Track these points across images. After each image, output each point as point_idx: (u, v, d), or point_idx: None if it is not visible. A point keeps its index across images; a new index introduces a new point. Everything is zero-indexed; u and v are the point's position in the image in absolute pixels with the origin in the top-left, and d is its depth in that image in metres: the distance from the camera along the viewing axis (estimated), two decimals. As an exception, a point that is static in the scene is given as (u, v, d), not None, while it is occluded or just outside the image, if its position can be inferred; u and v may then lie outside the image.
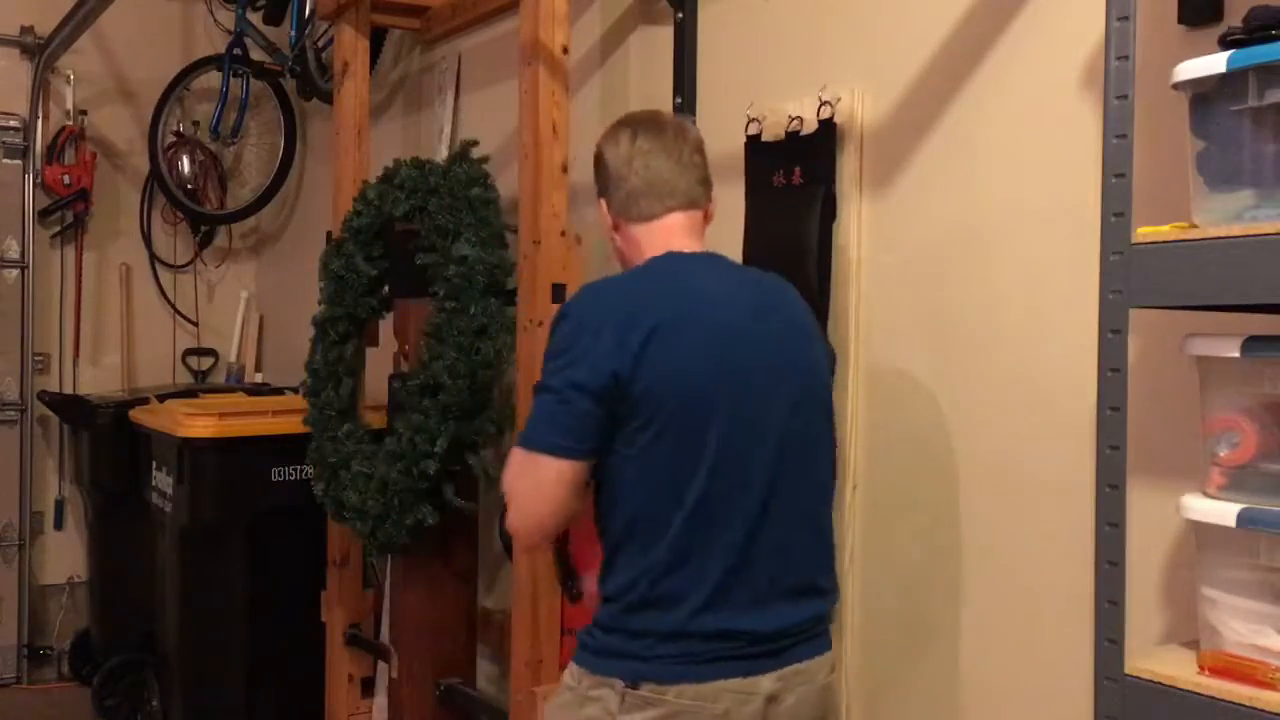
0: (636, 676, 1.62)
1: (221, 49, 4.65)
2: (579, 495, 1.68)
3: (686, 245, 1.78)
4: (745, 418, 1.66)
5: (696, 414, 1.63)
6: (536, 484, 1.66)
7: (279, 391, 4.18)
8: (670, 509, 1.63)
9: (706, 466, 1.63)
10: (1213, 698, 1.28)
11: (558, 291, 2.55)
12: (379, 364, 3.23)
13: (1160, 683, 1.33)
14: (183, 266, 5.10)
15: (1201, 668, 1.34)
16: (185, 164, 4.82)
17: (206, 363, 5.11)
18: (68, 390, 4.73)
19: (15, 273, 4.67)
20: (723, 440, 1.64)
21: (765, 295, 1.78)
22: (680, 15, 2.62)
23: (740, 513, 1.65)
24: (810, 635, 1.71)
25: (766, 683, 1.64)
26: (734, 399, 1.65)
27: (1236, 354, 1.30)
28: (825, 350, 1.87)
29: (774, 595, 1.67)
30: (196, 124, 4.89)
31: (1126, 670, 1.36)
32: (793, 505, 1.69)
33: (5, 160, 4.65)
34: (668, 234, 1.78)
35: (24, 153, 4.67)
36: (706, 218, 1.83)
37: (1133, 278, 1.33)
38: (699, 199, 1.80)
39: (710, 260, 1.79)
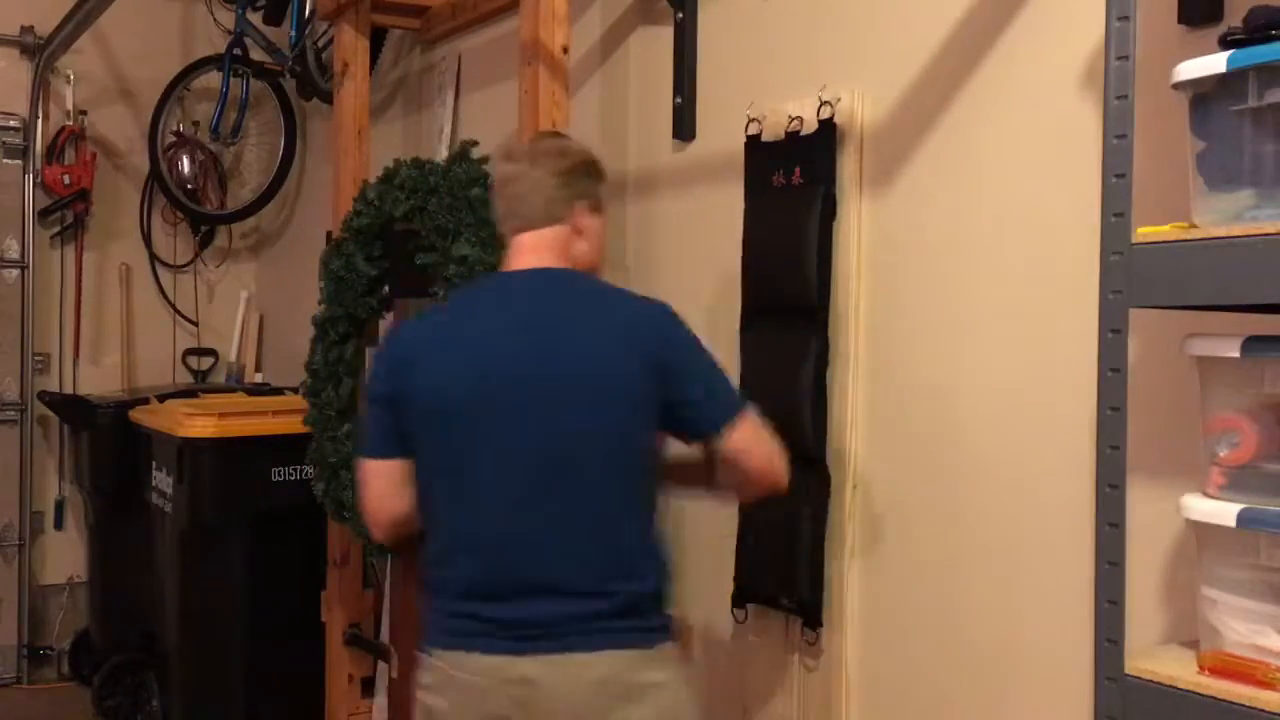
0: (427, 644, 1.88)
1: (221, 49, 4.65)
2: (396, 493, 1.91)
3: (529, 262, 1.92)
4: (496, 428, 1.80)
5: (447, 424, 1.83)
6: (358, 481, 2.00)
7: (279, 391, 4.18)
8: (437, 509, 1.88)
9: (459, 473, 1.83)
10: (1213, 698, 1.28)
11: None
12: (379, 364, 3.22)
13: (1160, 683, 1.33)
14: (183, 266, 5.10)
15: (1201, 668, 1.34)
16: (185, 164, 4.82)
17: (206, 363, 5.11)
18: (68, 390, 4.73)
19: (15, 273, 4.67)
20: (474, 449, 1.81)
21: (547, 309, 1.88)
22: (680, 15, 2.62)
23: (493, 515, 1.81)
24: (588, 630, 1.78)
25: (525, 665, 1.76)
26: (484, 410, 1.81)
27: (1236, 354, 1.30)
28: (635, 356, 1.83)
29: (529, 592, 1.79)
30: (196, 124, 4.89)
31: (1126, 670, 1.36)
32: (555, 508, 1.79)
33: (5, 160, 4.65)
34: (516, 252, 1.95)
35: (24, 153, 4.67)
36: (574, 234, 1.95)
37: (1133, 278, 1.33)
38: (538, 220, 1.93)
39: (521, 277, 1.92)
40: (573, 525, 1.80)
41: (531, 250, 1.94)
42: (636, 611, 1.80)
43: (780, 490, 1.90)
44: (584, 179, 1.99)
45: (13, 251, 4.66)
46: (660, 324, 1.89)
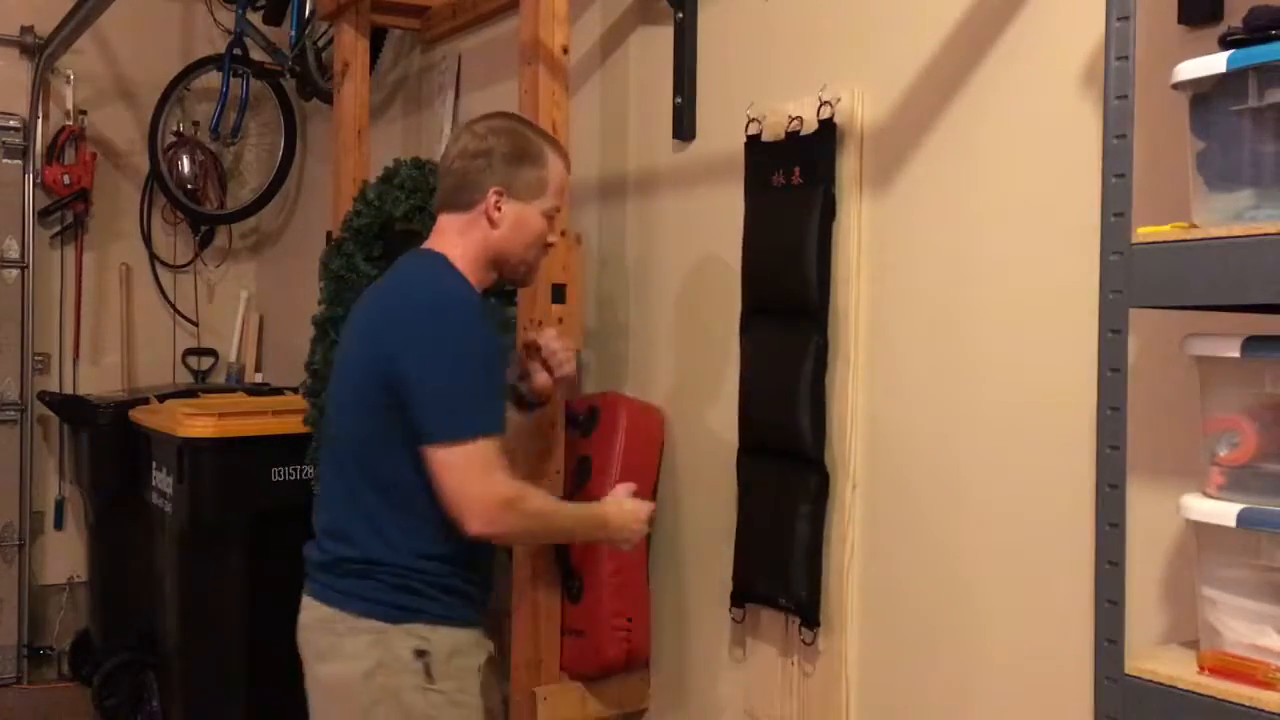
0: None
1: (221, 49, 4.65)
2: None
3: (434, 244, 2.00)
4: (331, 400, 2.06)
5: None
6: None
7: (279, 391, 4.18)
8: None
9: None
10: (1213, 698, 1.28)
11: (558, 291, 2.56)
12: (379, 364, 3.22)
13: (1160, 683, 1.33)
14: (183, 266, 5.10)
15: (1201, 668, 1.33)
16: (185, 164, 4.83)
17: (206, 363, 5.11)
18: (68, 390, 4.73)
19: (15, 273, 4.67)
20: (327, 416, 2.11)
21: (375, 292, 2.03)
22: (680, 15, 2.62)
23: (323, 470, 2.08)
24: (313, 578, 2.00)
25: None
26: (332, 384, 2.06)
27: (1236, 354, 1.30)
28: (393, 335, 1.88)
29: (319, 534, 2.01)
30: (196, 124, 4.89)
31: (1126, 670, 1.35)
32: (330, 469, 2.03)
33: (5, 160, 4.65)
34: (433, 231, 2.03)
35: (24, 153, 4.67)
36: (488, 218, 1.97)
37: (1133, 278, 1.33)
38: (446, 202, 2.01)
39: (407, 260, 2.04)
40: (339, 484, 1.99)
41: (437, 231, 2.01)
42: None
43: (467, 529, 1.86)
44: (504, 165, 1.96)
45: (13, 251, 4.66)
46: (403, 320, 1.89)
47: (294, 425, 3.31)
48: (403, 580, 1.88)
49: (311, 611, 1.97)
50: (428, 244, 2.01)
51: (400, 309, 1.91)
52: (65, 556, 4.76)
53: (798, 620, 2.26)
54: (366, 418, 1.91)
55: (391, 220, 2.97)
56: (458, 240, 1.97)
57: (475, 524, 1.83)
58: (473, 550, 1.94)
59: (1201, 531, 1.34)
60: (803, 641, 2.25)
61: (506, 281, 2.09)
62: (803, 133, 2.26)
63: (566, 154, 2.13)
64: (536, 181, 1.99)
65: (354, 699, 1.88)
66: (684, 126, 2.63)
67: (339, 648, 1.90)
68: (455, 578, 1.93)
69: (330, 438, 2.04)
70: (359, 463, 1.93)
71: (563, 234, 2.54)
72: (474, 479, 1.82)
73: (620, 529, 2.10)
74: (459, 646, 1.92)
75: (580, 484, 2.59)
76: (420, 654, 1.87)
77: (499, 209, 1.96)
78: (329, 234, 3.40)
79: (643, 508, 2.14)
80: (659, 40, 2.72)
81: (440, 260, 1.96)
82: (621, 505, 2.12)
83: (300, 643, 2.01)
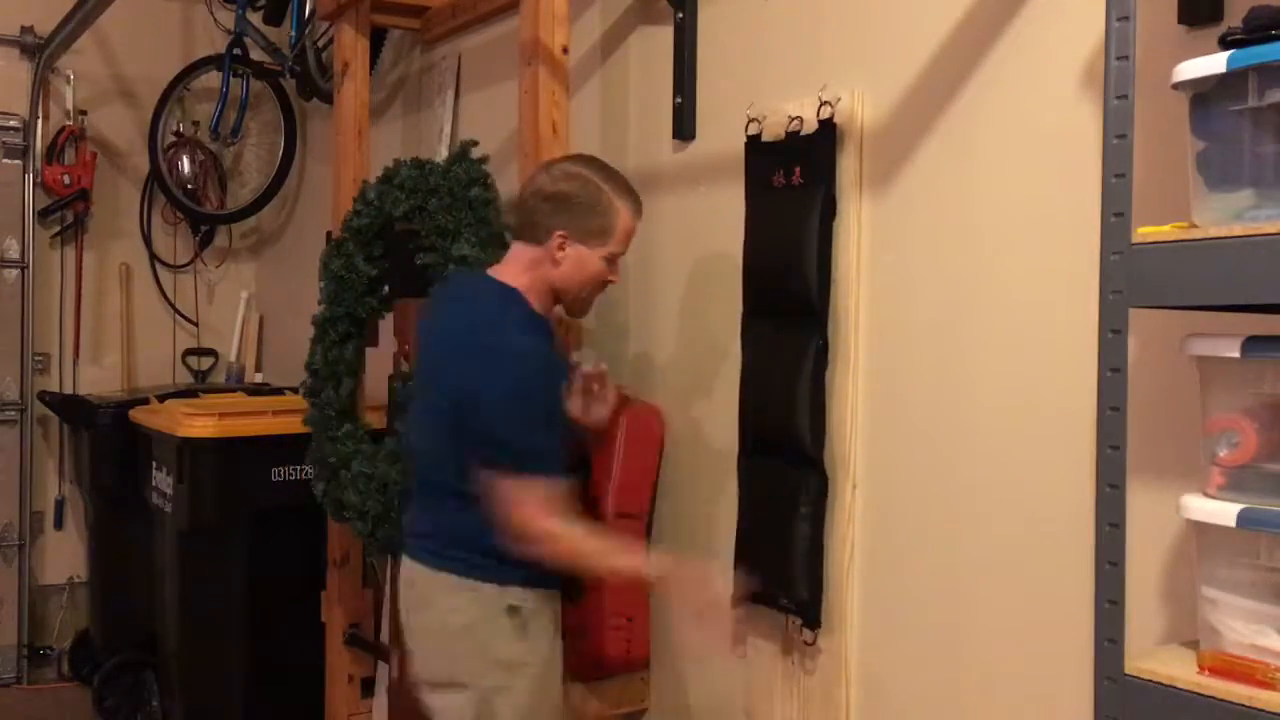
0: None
1: (221, 49, 4.65)
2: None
3: (506, 272, 2.20)
4: (415, 409, 2.34)
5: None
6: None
7: (279, 391, 4.18)
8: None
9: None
10: (1213, 698, 1.28)
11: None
12: (379, 364, 3.23)
13: (1160, 683, 1.33)
14: (183, 266, 5.10)
15: (1201, 668, 1.33)
16: (185, 164, 4.83)
17: (206, 363, 5.11)
18: (68, 390, 4.73)
19: (15, 273, 4.67)
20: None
21: (453, 316, 2.25)
22: (680, 15, 2.62)
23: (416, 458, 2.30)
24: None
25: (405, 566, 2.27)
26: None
27: (1236, 354, 1.30)
28: (468, 372, 2.09)
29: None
30: (196, 124, 4.89)
31: (1126, 670, 1.35)
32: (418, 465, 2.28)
33: (5, 160, 4.65)
34: (507, 259, 2.25)
35: (24, 153, 4.67)
36: (552, 258, 2.16)
37: (1133, 278, 1.33)
38: (518, 232, 2.22)
39: (486, 287, 2.20)
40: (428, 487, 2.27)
41: (511, 258, 2.23)
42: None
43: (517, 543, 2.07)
44: (565, 212, 2.14)
45: (13, 251, 4.66)
46: (486, 366, 2.08)
47: (294, 425, 3.31)
48: (494, 556, 2.09)
49: (414, 569, 2.22)
50: (502, 270, 2.21)
51: (481, 351, 2.10)
52: (65, 556, 4.76)
53: (798, 620, 2.26)
54: (442, 435, 2.14)
55: (391, 220, 2.97)
56: (525, 271, 2.18)
57: (511, 539, 2.06)
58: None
59: (1201, 531, 1.34)
60: (804, 642, 2.25)
61: (566, 312, 2.31)
62: (803, 133, 2.26)
63: (638, 200, 2.24)
64: (599, 229, 2.16)
65: (454, 645, 2.15)
66: (684, 126, 2.63)
67: (439, 601, 2.16)
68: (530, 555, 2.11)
69: (421, 431, 2.28)
70: (447, 468, 2.14)
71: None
72: (522, 510, 2.04)
73: (674, 596, 2.19)
74: (542, 604, 2.17)
75: (580, 484, 2.59)
76: (513, 610, 2.12)
77: (562, 249, 2.15)
78: (329, 234, 3.40)
79: (702, 608, 2.11)
80: (659, 40, 2.72)
81: (515, 296, 2.16)
82: (682, 589, 2.13)
83: (402, 597, 2.28)
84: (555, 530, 2.05)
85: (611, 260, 2.20)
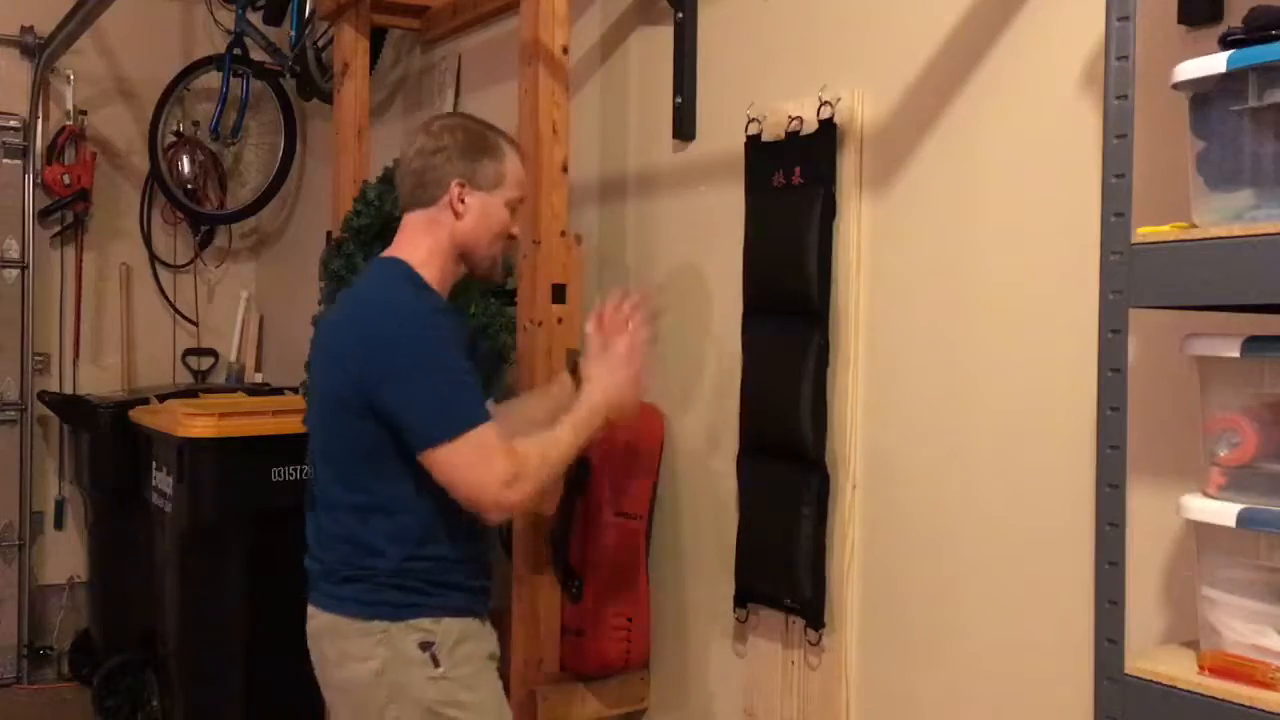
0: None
1: (221, 49, 4.65)
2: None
3: (396, 247, 2.05)
4: (309, 418, 2.08)
5: None
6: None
7: (279, 391, 4.18)
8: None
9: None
10: (1213, 698, 1.28)
11: (558, 291, 2.56)
12: (379, 364, 3.22)
13: (1160, 683, 1.33)
14: (183, 266, 5.10)
15: (1201, 668, 1.33)
16: (185, 164, 4.82)
17: (206, 363, 5.11)
18: (68, 390, 4.73)
19: (15, 273, 4.67)
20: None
21: (337, 313, 2.09)
22: (680, 15, 2.62)
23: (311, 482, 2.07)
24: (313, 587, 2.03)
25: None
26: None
27: (1236, 354, 1.30)
28: (352, 361, 1.93)
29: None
30: (196, 124, 4.89)
31: (1126, 670, 1.36)
32: (314, 483, 2.05)
33: (5, 160, 4.65)
34: (398, 235, 2.08)
35: (24, 153, 4.67)
36: (452, 209, 2.01)
37: (1133, 278, 1.33)
38: (408, 201, 2.06)
39: (363, 276, 2.15)
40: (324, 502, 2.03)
41: (401, 232, 2.07)
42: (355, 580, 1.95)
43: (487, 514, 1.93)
44: (459, 159, 2.01)
45: (13, 251, 4.66)
46: (365, 336, 1.93)
47: (294, 425, 3.30)
48: (397, 580, 1.92)
49: (317, 620, 2.01)
50: (391, 248, 2.05)
51: (359, 339, 1.94)
52: (65, 556, 4.76)
53: (799, 620, 2.26)
54: (342, 439, 1.96)
55: (392, 220, 2.95)
56: (422, 239, 2.02)
57: (493, 514, 1.92)
58: (464, 549, 1.97)
59: (1201, 531, 1.34)
60: (808, 642, 2.25)
61: (473, 276, 2.12)
62: (803, 133, 2.26)
63: (520, 149, 2.15)
64: (495, 173, 2.03)
65: (369, 699, 1.92)
66: (684, 126, 2.63)
67: (348, 651, 1.93)
68: (449, 573, 1.95)
69: (311, 452, 2.06)
70: (340, 480, 1.97)
71: (562, 234, 2.55)
72: (474, 472, 1.86)
73: (619, 403, 2.08)
74: (465, 634, 1.94)
75: (579, 484, 2.59)
76: (425, 645, 1.90)
77: (462, 200, 2.00)
78: (329, 234, 3.40)
79: (625, 364, 2.07)
80: (659, 40, 2.72)
81: (391, 269, 2.01)
82: (604, 381, 2.06)
83: (312, 652, 2.04)
84: (517, 465, 1.87)
85: (511, 208, 2.06)
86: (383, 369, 1.88)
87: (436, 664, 1.90)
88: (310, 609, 2.03)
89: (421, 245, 2.02)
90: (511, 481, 1.86)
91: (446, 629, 1.92)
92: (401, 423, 1.87)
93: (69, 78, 4.74)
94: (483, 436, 1.86)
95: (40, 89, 4.67)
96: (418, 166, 2.03)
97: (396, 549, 1.92)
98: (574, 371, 2.24)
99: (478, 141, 2.03)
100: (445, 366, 1.89)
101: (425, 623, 1.91)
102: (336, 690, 1.99)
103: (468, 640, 1.95)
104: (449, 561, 1.95)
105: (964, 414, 2.01)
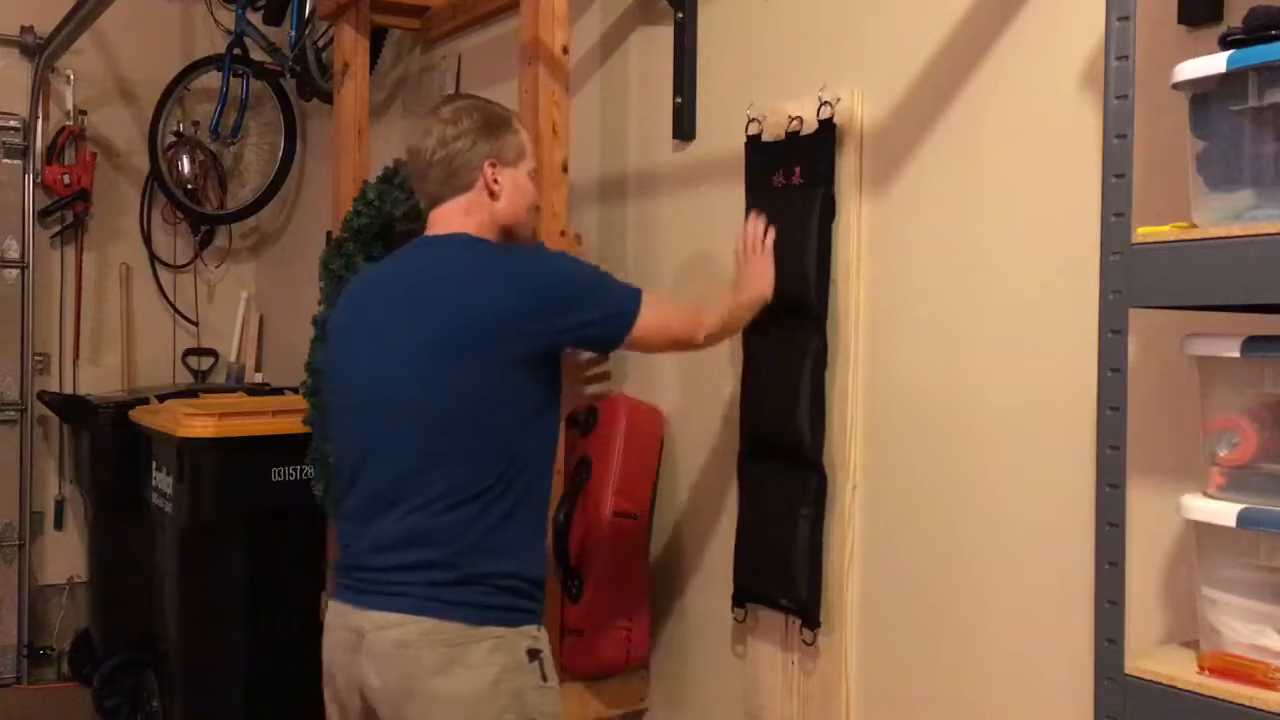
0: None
1: (221, 49, 4.65)
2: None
3: (439, 229, 2.00)
4: (383, 399, 1.94)
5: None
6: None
7: (279, 391, 4.18)
8: None
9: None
10: (1213, 698, 1.28)
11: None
12: (379, 364, 3.22)
13: (1160, 683, 1.33)
14: (183, 266, 5.10)
15: (1201, 668, 1.33)
16: (185, 164, 4.82)
17: (206, 363, 5.11)
18: (68, 390, 4.73)
19: (15, 273, 4.67)
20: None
21: (420, 271, 1.97)
22: (680, 15, 2.62)
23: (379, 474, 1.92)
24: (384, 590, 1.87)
25: (355, 617, 1.87)
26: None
27: (1236, 354, 1.30)
28: (488, 293, 1.86)
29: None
30: (196, 124, 4.89)
31: (1126, 670, 1.36)
32: (393, 471, 1.89)
33: (5, 160, 4.65)
34: (430, 225, 2.02)
35: (24, 153, 4.67)
36: (489, 191, 1.98)
37: (1133, 278, 1.33)
38: (443, 193, 2.00)
39: (440, 244, 1.99)
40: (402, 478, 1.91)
41: (439, 224, 2.00)
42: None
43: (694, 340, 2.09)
44: (484, 140, 1.98)
45: (13, 251, 4.66)
46: (516, 279, 1.89)
47: (294, 425, 3.31)
48: (510, 584, 1.85)
49: (413, 626, 1.81)
50: (441, 231, 1.98)
51: (505, 277, 1.87)
52: (65, 556, 4.76)
53: (798, 621, 2.26)
54: (474, 400, 1.83)
55: (392, 220, 2.97)
56: (468, 222, 1.97)
57: (700, 341, 2.10)
58: (542, 547, 1.96)
59: (1201, 531, 1.34)
60: (803, 642, 2.25)
61: None
62: (803, 133, 2.26)
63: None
64: (517, 147, 2.02)
65: (482, 710, 1.80)
66: (684, 126, 2.63)
67: (459, 659, 1.80)
68: (539, 574, 1.91)
69: (388, 438, 1.87)
70: (427, 472, 1.84)
71: (562, 234, 2.55)
72: (676, 315, 2.06)
73: (766, 290, 2.23)
74: (549, 641, 1.92)
75: (580, 484, 2.59)
76: (534, 654, 1.85)
77: (497, 180, 1.98)
78: (329, 234, 3.40)
79: (766, 261, 2.24)
80: (659, 40, 2.72)
81: (464, 238, 1.96)
82: (754, 276, 2.23)
83: (388, 661, 1.83)
84: (704, 307, 2.09)
85: (533, 179, 2.07)
86: (557, 301, 1.89)
87: (544, 677, 1.85)
88: (382, 616, 1.83)
89: (467, 227, 1.97)
90: (706, 314, 2.08)
91: (544, 637, 1.89)
92: (593, 328, 1.93)
93: (69, 78, 4.74)
94: (655, 297, 2.00)
95: (40, 89, 4.67)
96: (444, 155, 1.97)
97: (506, 549, 1.84)
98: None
99: (495, 119, 2.01)
100: (580, 266, 2.00)
101: (533, 629, 1.87)
102: (434, 701, 1.80)
103: (550, 651, 1.91)
104: (538, 563, 1.91)
105: (963, 414, 2.01)
